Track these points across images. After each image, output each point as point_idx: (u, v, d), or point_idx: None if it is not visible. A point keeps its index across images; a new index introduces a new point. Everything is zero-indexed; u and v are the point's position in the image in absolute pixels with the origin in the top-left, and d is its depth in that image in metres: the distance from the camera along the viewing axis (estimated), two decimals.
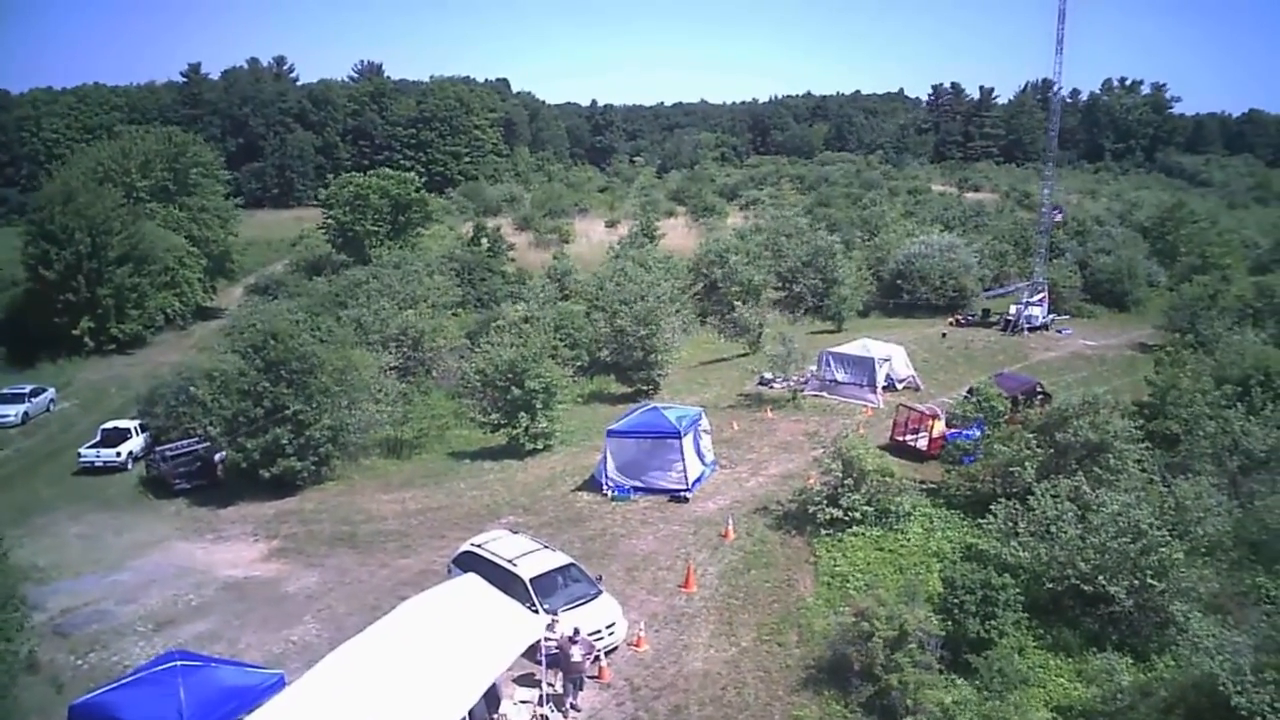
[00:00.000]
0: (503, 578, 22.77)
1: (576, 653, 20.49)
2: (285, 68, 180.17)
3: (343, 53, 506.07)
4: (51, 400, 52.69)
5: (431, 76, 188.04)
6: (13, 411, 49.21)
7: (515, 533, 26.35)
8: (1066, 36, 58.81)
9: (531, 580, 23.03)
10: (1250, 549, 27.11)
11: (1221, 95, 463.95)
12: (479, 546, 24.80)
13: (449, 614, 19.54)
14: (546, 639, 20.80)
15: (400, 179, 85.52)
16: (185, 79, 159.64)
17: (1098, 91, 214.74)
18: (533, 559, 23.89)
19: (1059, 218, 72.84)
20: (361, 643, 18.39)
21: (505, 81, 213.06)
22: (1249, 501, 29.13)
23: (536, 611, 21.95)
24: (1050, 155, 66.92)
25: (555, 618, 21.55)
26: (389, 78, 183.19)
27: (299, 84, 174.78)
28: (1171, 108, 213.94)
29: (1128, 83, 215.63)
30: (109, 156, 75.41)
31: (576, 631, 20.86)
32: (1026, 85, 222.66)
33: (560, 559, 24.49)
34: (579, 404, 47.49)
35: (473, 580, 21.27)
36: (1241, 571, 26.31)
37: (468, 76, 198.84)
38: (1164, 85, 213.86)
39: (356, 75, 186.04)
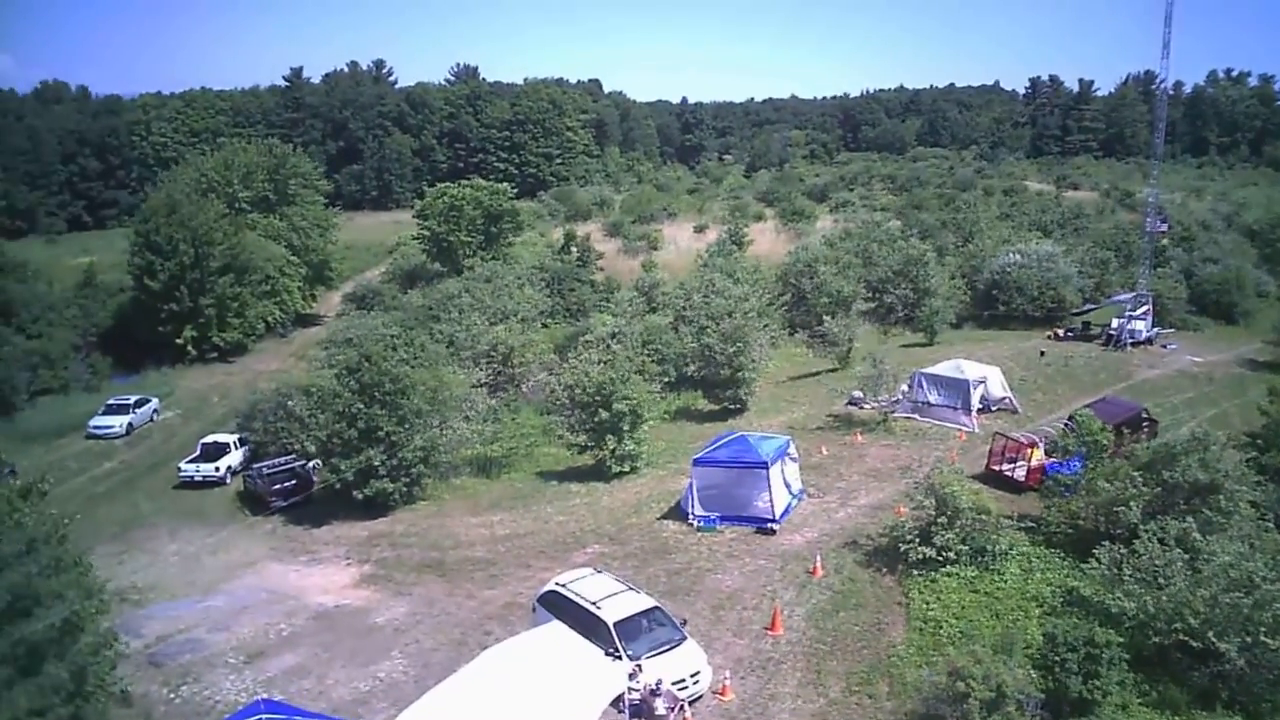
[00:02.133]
0: (586, 620, 22.63)
1: (660, 705, 20.22)
2: (384, 71, 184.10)
3: (440, 55, 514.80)
4: (155, 410, 53.97)
5: (525, 78, 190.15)
6: (117, 423, 50.43)
7: (599, 571, 25.94)
8: (1172, 27, 56.79)
9: (615, 624, 22.70)
10: None
11: None
12: (563, 586, 24.54)
13: (533, 664, 19.53)
14: (630, 689, 20.57)
15: (493, 189, 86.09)
16: (288, 83, 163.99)
17: (1202, 84, 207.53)
18: (617, 601, 23.52)
19: (1163, 228, 69.94)
20: (446, 692, 18.50)
21: (597, 82, 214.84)
22: None
23: (620, 656, 21.74)
24: (1156, 162, 64.18)
25: (638, 667, 21.27)
26: (484, 80, 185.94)
27: (397, 87, 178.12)
28: None
29: (1234, 74, 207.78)
30: (212, 168, 77.63)
31: (659, 683, 20.58)
32: (1128, 77, 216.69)
33: (645, 602, 24.04)
34: (665, 421, 47.29)
35: (557, 628, 21.23)
36: None
37: (560, 78, 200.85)
38: (1272, 77, 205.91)
39: (453, 78, 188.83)
